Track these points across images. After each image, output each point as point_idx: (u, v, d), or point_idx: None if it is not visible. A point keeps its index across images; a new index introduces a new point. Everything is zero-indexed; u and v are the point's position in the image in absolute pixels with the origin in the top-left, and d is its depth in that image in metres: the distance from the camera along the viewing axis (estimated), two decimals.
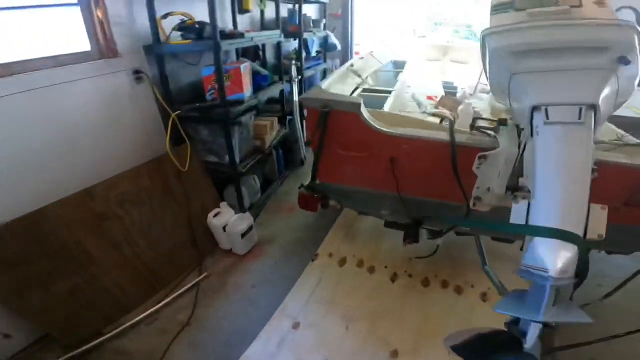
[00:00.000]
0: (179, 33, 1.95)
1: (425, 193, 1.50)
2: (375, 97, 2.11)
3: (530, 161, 1.02)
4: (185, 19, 1.90)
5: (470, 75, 5.13)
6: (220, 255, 2.25)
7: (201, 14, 1.92)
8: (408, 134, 1.31)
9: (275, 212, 2.73)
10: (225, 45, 1.88)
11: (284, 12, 3.56)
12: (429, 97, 3.44)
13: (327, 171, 1.58)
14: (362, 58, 3.11)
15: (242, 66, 2.07)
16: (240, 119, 2.19)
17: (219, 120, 2.09)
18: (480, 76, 3.60)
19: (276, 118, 2.73)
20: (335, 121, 1.31)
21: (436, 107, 2.95)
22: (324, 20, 3.83)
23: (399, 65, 4.20)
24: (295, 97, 3.02)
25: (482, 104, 3.47)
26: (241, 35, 2.09)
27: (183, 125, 2.12)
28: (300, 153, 3.28)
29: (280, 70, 2.85)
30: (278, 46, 2.81)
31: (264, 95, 2.44)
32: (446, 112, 2.86)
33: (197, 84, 2.24)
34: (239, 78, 2.07)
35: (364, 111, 1.30)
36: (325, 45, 4.01)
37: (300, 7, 3.14)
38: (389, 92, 2.27)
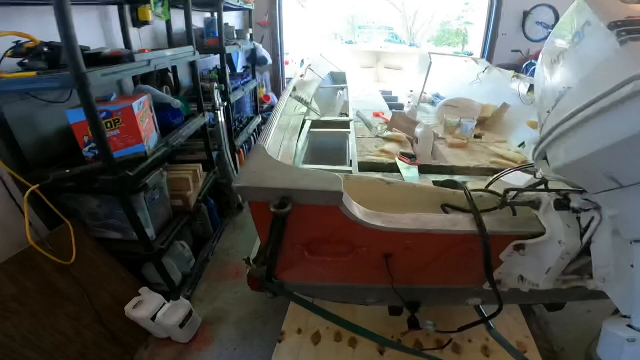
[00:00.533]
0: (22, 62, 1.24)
1: (428, 281, 1.11)
2: (332, 135, 1.66)
3: (622, 265, 0.68)
4: (23, 40, 1.20)
5: (405, 82, 5.10)
6: (157, 345, 1.72)
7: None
8: (413, 228, 0.86)
9: (218, 279, 2.17)
10: (97, 77, 1.22)
11: (198, 22, 2.93)
12: (376, 115, 3.13)
13: (288, 270, 1.07)
14: (302, 76, 2.67)
15: (135, 104, 1.43)
16: (146, 181, 1.54)
17: (109, 191, 1.44)
18: (424, 86, 3.45)
19: (200, 165, 2.10)
20: (300, 218, 0.79)
21: (390, 129, 2.64)
22: (250, 30, 3.27)
23: (337, 78, 3.86)
24: (223, 130, 2.42)
25: (430, 118, 3.30)
26: (129, 58, 1.43)
27: (57, 196, 1.47)
28: (236, 196, 2.68)
29: (199, 97, 2.22)
30: (193, 65, 2.18)
31: (179, 138, 1.80)
32: (402, 135, 2.57)
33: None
34: (132, 123, 1.43)
35: (348, 202, 0.80)
36: (254, 59, 3.45)
37: (220, 16, 2.53)
38: (346, 123, 1.83)
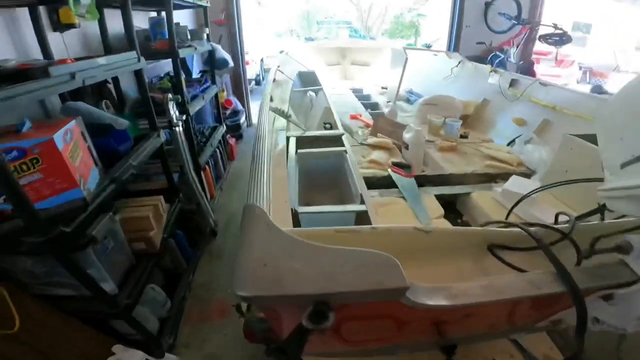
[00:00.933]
0: None
1: (477, 331, 0.90)
2: (324, 156, 1.38)
3: None
4: None
5: (374, 79, 4.95)
6: None
7: None
8: (487, 300, 0.63)
9: (201, 320, 1.89)
10: None
11: (141, 22, 2.51)
12: (353, 117, 2.91)
13: (312, 344, 0.81)
14: (274, 80, 2.37)
15: (58, 136, 1.06)
16: (91, 232, 1.19)
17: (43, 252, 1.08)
18: (400, 83, 3.29)
19: (161, 197, 1.74)
20: (344, 313, 0.52)
21: (373, 134, 2.43)
22: (206, 30, 2.88)
23: (306, 78, 3.58)
24: (184, 148, 2.06)
25: (409, 117, 3.14)
26: (42, 72, 1.04)
27: None
28: (207, 220, 2.33)
29: (150, 112, 1.83)
30: (139, 75, 1.78)
31: (129, 170, 1.43)
32: (388, 140, 2.36)
33: None
34: (57, 161, 1.06)
35: (414, 290, 0.53)
36: (212, 61, 3.07)
37: (169, 15, 2.14)
38: (337, 138, 1.56)
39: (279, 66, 2.87)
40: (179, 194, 2.04)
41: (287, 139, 1.47)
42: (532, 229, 0.79)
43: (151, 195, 1.77)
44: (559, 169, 1.55)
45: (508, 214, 1.12)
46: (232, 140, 4.02)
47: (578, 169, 1.45)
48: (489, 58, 4.35)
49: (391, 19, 17.91)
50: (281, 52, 4.49)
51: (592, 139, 1.45)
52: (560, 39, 3.56)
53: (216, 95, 3.18)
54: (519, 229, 0.81)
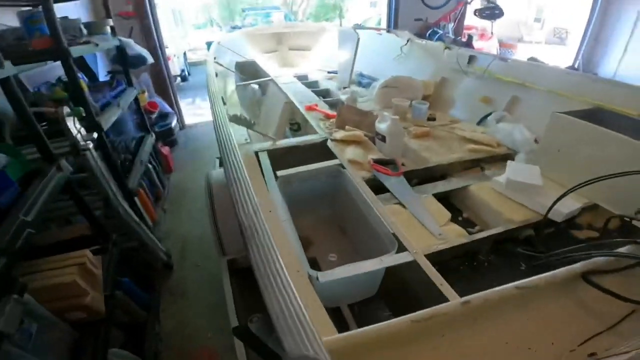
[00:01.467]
0: None
1: None
2: (312, 177, 1.03)
3: None
4: None
5: (316, 64, 4.63)
6: None
7: None
8: None
9: None
10: None
11: (10, 20, 1.86)
12: (309, 108, 2.58)
13: None
14: (217, 75, 1.92)
15: None
16: None
17: None
18: (352, 66, 3.02)
19: (86, 252, 1.23)
20: None
21: (340, 127, 2.13)
22: (110, 22, 2.25)
23: (245, 70, 3.12)
24: (104, 176, 1.54)
25: (366, 102, 2.91)
26: None
27: None
28: (156, 255, 1.84)
29: (36, 134, 1.27)
30: (6, 85, 1.20)
31: (22, 231, 0.94)
32: (358, 133, 2.09)
33: None
34: None
35: None
36: (124, 59, 2.44)
37: (48, 6, 1.54)
38: (321, 146, 1.22)
39: (215, 58, 2.38)
40: (111, 236, 1.54)
41: (256, 154, 1.10)
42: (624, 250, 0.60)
43: (73, 249, 1.27)
44: (549, 148, 1.44)
45: (545, 215, 0.93)
46: (165, 150, 3.42)
47: (572, 147, 1.35)
48: (427, 34, 4.34)
49: (315, 2, 17.67)
50: (208, 43, 3.91)
51: (578, 115, 1.36)
52: (492, 12, 3.63)
53: (136, 99, 2.59)
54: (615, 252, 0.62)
